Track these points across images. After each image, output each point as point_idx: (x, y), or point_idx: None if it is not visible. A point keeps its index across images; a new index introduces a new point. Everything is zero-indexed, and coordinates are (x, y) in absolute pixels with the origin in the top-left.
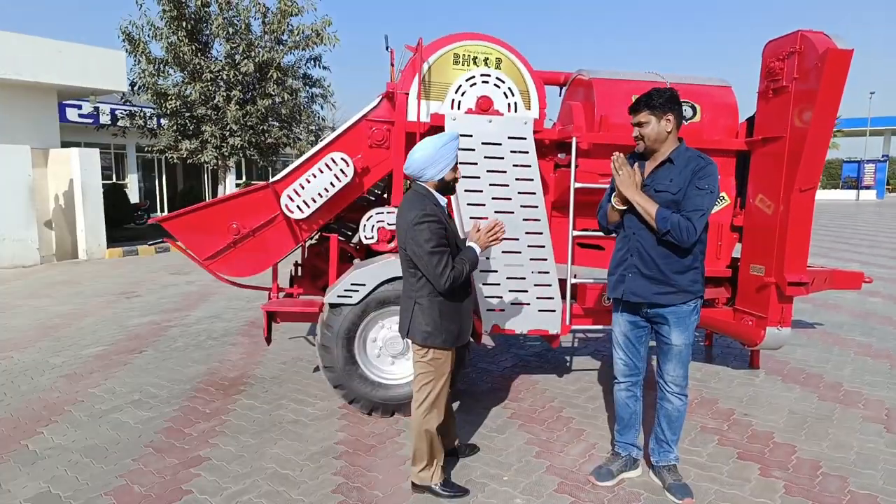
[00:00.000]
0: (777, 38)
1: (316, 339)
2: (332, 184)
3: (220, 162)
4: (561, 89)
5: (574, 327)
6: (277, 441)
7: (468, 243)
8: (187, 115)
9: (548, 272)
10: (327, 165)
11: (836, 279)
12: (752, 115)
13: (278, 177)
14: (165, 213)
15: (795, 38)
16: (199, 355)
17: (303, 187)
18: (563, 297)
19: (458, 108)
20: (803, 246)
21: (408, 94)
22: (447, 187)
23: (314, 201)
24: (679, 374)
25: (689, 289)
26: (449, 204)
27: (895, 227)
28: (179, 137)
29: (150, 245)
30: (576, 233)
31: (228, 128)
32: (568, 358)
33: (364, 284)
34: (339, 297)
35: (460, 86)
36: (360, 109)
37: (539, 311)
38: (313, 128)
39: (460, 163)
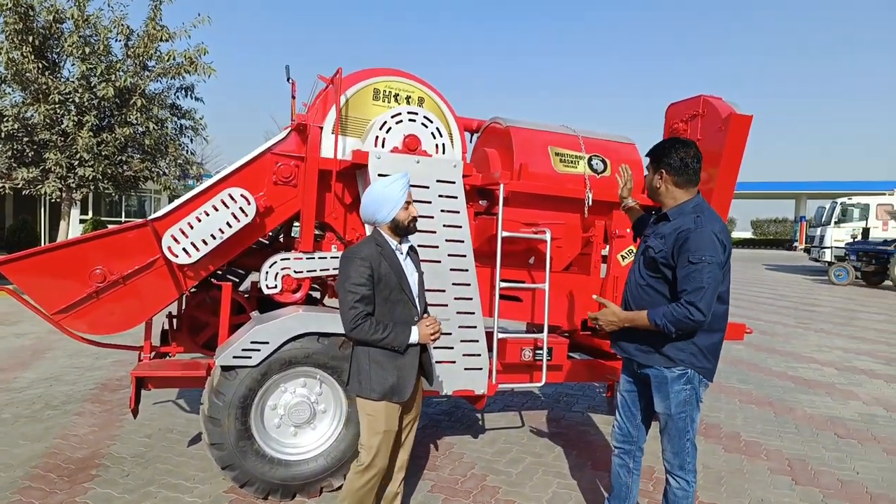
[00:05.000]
0: (679, 102)
1: (201, 409)
2: (228, 224)
3: (64, 194)
4: (471, 136)
5: (500, 386)
6: None
7: (413, 326)
8: (26, 139)
9: (475, 326)
10: (223, 203)
11: None
12: None
13: (159, 213)
14: None
15: (698, 103)
16: (34, 430)
17: (191, 227)
18: (489, 352)
19: (383, 145)
20: None
21: (322, 127)
22: (402, 227)
23: (205, 244)
24: (667, 450)
25: (672, 355)
26: None
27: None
28: (14, 165)
29: None
30: (502, 284)
31: (78, 156)
32: (479, 416)
33: (266, 342)
34: (234, 357)
35: (385, 122)
36: (236, 144)
37: (465, 369)
38: (181, 161)
39: None
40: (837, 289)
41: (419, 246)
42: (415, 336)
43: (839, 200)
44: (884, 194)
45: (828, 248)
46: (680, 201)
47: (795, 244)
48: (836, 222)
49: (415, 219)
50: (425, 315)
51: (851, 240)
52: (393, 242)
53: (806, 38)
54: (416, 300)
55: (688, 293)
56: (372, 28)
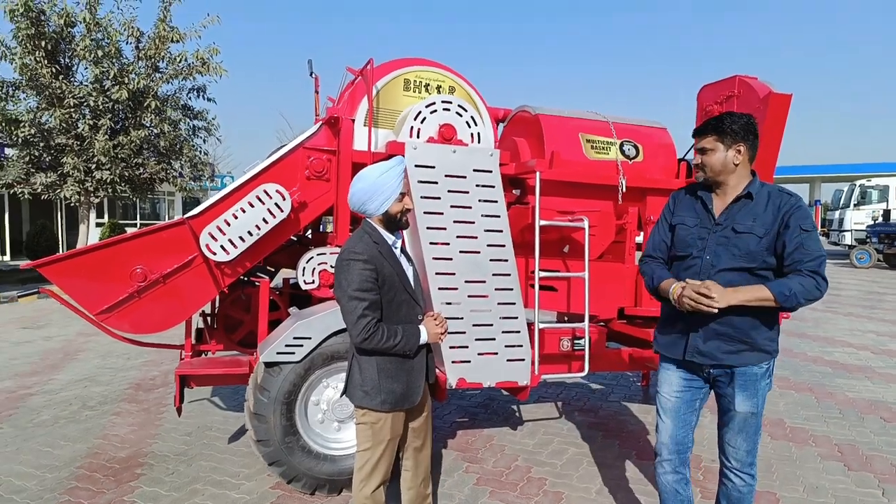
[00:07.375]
0: (714, 83)
1: (246, 405)
2: (265, 220)
3: (82, 198)
4: (498, 124)
5: (543, 377)
6: None
7: (420, 326)
8: (42, 144)
9: (516, 317)
10: (259, 199)
11: None
12: (683, 156)
13: (195, 211)
14: (8, 256)
15: (733, 83)
16: (75, 431)
17: (228, 224)
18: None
19: (418, 136)
20: None
21: (354, 120)
22: (394, 221)
23: (242, 241)
24: (741, 448)
25: (765, 347)
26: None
27: None
28: (32, 170)
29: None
30: (541, 273)
31: (95, 160)
32: (516, 407)
33: (309, 338)
34: (278, 353)
35: (420, 112)
36: (246, 142)
37: (507, 360)
38: (196, 162)
39: (423, 196)
40: (860, 272)
41: (458, 238)
42: (424, 336)
43: (858, 182)
44: None
45: (848, 230)
46: (746, 181)
47: None
48: (855, 205)
49: (407, 211)
50: (430, 313)
51: (872, 222)
52: (389, 238)
53: (815, 14)
54: (419, 297)
55: (804, 263)
56: (385, 29)
